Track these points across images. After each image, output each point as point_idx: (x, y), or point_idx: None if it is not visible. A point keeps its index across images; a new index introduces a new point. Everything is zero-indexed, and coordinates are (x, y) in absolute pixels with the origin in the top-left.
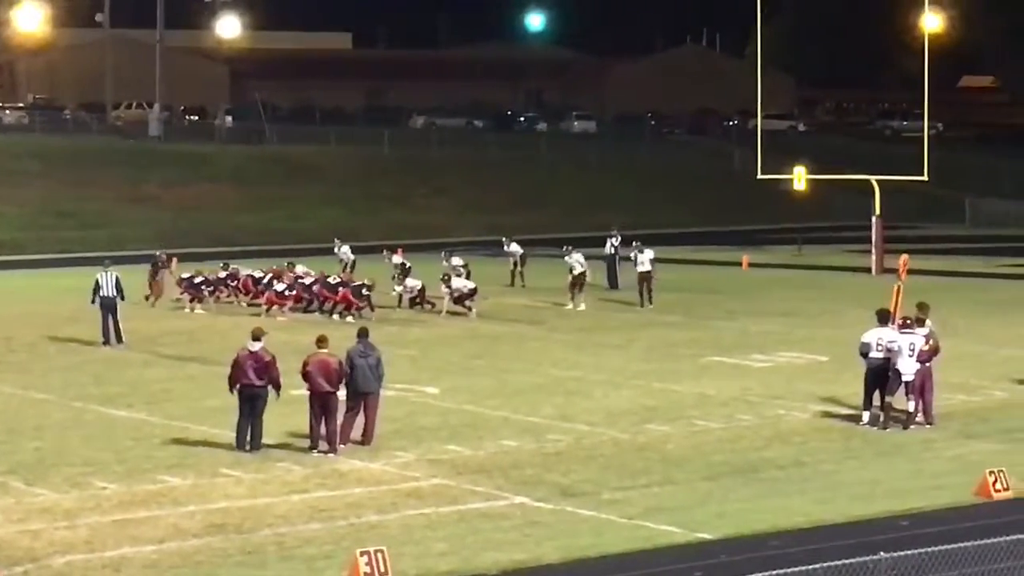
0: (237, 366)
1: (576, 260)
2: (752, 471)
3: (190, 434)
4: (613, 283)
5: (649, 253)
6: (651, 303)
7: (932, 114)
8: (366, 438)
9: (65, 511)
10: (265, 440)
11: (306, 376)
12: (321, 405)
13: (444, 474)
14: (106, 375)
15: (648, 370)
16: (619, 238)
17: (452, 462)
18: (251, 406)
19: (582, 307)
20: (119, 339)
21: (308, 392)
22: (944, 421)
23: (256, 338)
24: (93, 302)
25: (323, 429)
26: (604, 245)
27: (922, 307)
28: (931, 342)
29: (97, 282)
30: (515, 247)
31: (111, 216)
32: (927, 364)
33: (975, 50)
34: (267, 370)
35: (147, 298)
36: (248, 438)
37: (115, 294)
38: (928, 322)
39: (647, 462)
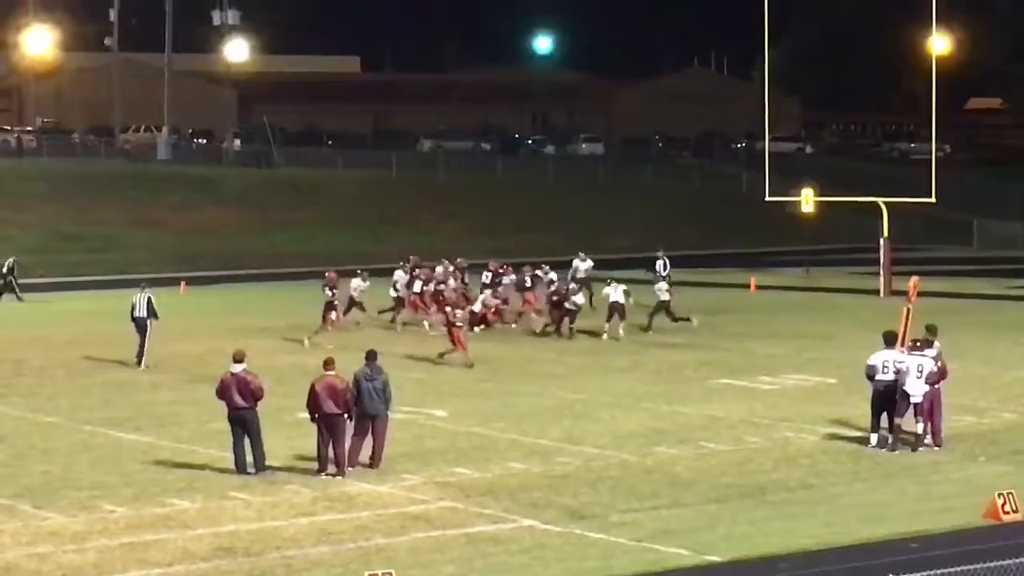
0: (224, 388)
1: (611, 289)
2: (760, 493)
3: (198, 457)
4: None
5: (621, 287)
6: (618, 334)
7: (939, 136)
8: (374, 461)
9: (73, 534)
10: (273, 463)
11: (312, 400)
12: (329, 428)
13: (452, 497)
14: (114, 398)
15: (656, 392)
16: (665, 261)
17: (460, 485)
18: (243, 428)
19: (621, 333)
20: (138, 362)
21: (309, 416)
22: (952, 443)
23: (238, 360)
24: (134, 321)
25: (331, 452)
26: (636, 268)
27: (930, 329)
28: (939, 364)
29: (133, 303)
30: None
31: (118, 240)
32: (935, 386)
33: (982, 72)
34: (251, 392)
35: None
36: (251, 460)
37: (146, 315)
38: (936, 344)
39: (655, 485)
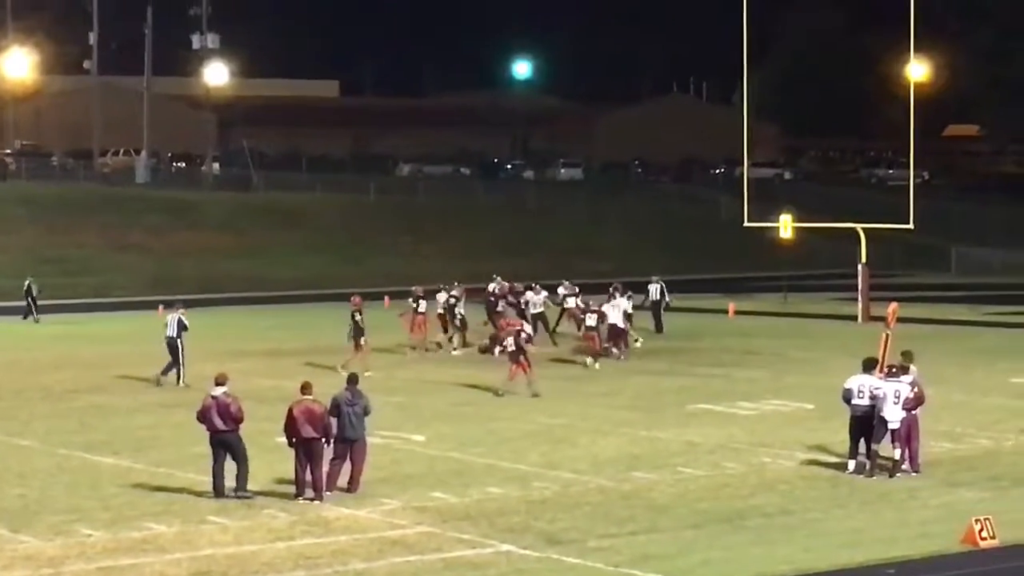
0: (205, 411)
1: (609, 308)
2: (738, 519)
3: (175, 481)
4: (659, 328)
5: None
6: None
7: (918, 162)
8: (352, 485)
9: (49, 558)
10: (252, 487)
11: (290, 424)
12: (307, 452)
13: (430, 522)
14: (91, 422)
15: (634, 418)
16: (661, 284)
17: (438, 509)
18: (226, 451)
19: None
20: (167, 374)
21: (293, 439)
22: (930, 469)
23: (219, 383)
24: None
25: (309, 476)
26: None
27: (907, 355)
28: (915, 390)
29: (166, 323)
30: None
31: (97, 263)
32: (912, 412)
33: (960, 99)
34: (232, 415)
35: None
36: (231, 484)
37: (176, 334)
38: (913, 369)
39: (633, 510)
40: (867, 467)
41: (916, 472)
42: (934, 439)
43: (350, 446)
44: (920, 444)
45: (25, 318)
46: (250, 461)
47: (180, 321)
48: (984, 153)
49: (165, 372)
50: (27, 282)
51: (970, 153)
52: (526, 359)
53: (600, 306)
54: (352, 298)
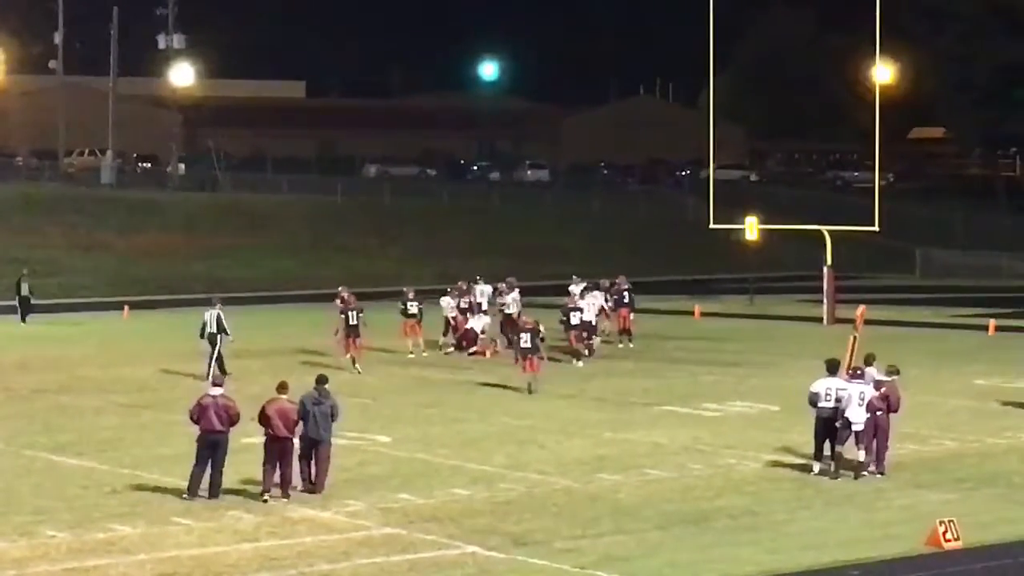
0: (201, 411)
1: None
2: (704, 520)
3: (141, 482)
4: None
5: (597, 304)
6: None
7: (883, 165)
8: (317, 486)
9: (14, 560)
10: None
11: (265, 421)
12: (279, 451)
13: (395, 523)
14: (56, 423)
15: (600, 419)
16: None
17: (403, 511)
18: (212, 452)
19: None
20: (222, 371)
21: (265, 437)
22: (895, 471)
23: (216, 384)
24: (202, 337)
25: (277, 476)
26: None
27: (868, 359)
28: (884, 391)
29: (204, 320)
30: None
31: (62, 264)
32: (879, 414)
33: (926, 102)
34: (230, 416)
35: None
36: (207, 486)
37: (217, 331)
38: (871, 371)
39: (599, 511)
40: (832, 469)
41: (881, 474)
42: (899, 441)
43: (314, 446)
44: (887, 448)
45: (24, 320)
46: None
47: (219, 317)
48: (949, 156)
49: (222, 369)
50: (18, 280)
51: (935, 156)
52: (537, 357)
53: (576, 302)
54: (345, 295)
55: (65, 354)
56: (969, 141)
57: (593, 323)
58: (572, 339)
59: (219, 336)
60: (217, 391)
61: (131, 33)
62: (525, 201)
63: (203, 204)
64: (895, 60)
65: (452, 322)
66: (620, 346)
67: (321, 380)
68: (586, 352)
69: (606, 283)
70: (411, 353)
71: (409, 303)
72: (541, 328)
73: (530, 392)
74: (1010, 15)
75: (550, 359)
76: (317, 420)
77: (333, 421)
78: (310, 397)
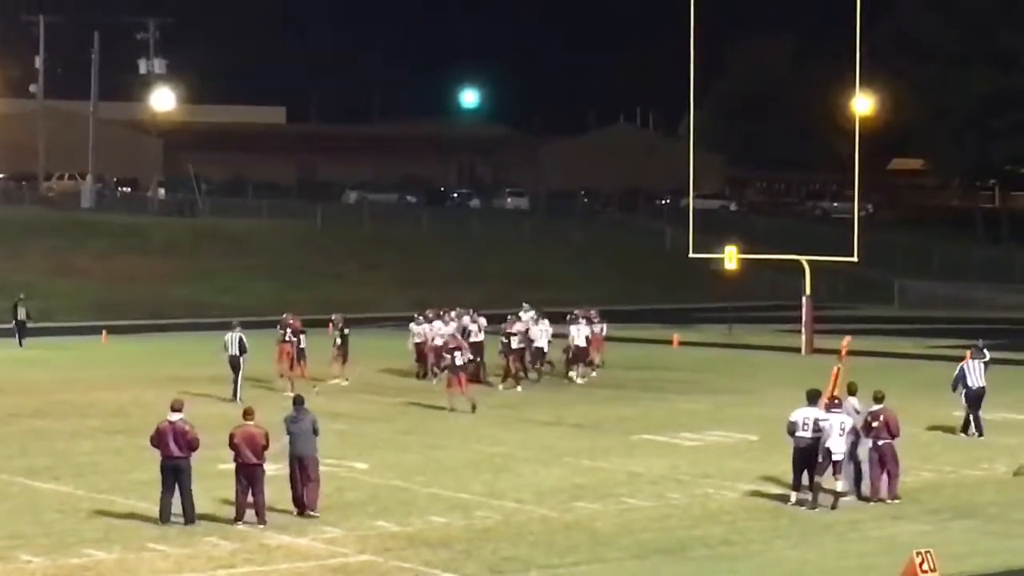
0: (160, 437)
1: (575, 330)
2: (681, 550)
3: (117, 507)
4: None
5: (586, 330)
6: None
7: (862, 195)
8: (309, 503)
9: None
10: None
11: (233, 447)
12: (247, 477)
13: (372, 550)
14: (32, 447)
15: (577, 447)
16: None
17: (380, 538)
18: (175, 478)
19: (579, 381)
20: (234, 397)
21: (235, 464)
22: (868, 502)
23: (176, 409)
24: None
25: (251, 501)
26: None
27: (850, 388)
28: (884, 418)
29: (225, 343)
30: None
31: (40, 288)
32: (883, 442)
33: (905, 133)
34: (188, 442)
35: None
36: (183, 511)
37: (238, 353)
38: (852, 401)
39: (576, 540)
40: (809, 499)
41: (897, 499)
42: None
43: (299, 463)
44: (899, 475)
45: (21, 344)
46: (192, 487)
47: (241, 340)
48: (929, 187)
49: (237, 395)
50: (15, 303)
51: (915, 187)
52: (465, 375)
53: (527, 329)
54: (290, 320)
55: (42, 378)
56: (948, 172)
57: (545, 350)
58: (510, 363)
59: (240, 357)
60: (176, 416)
61: (112, 58)
62: (505, 228)
63: (183, 229)
64: (875, 91)
65: (416, 350)
66: (594, 374)
67: (298, 401)
68: (535, 377)
69: (588, 313)
70: (336, 379)
71: (336, 331)
72: (466, 348)
73: (473, 410)
74: (989, 47)
75: (484, 383)
76: (298, 436)
77: (315, 436)
78: (289, 417)
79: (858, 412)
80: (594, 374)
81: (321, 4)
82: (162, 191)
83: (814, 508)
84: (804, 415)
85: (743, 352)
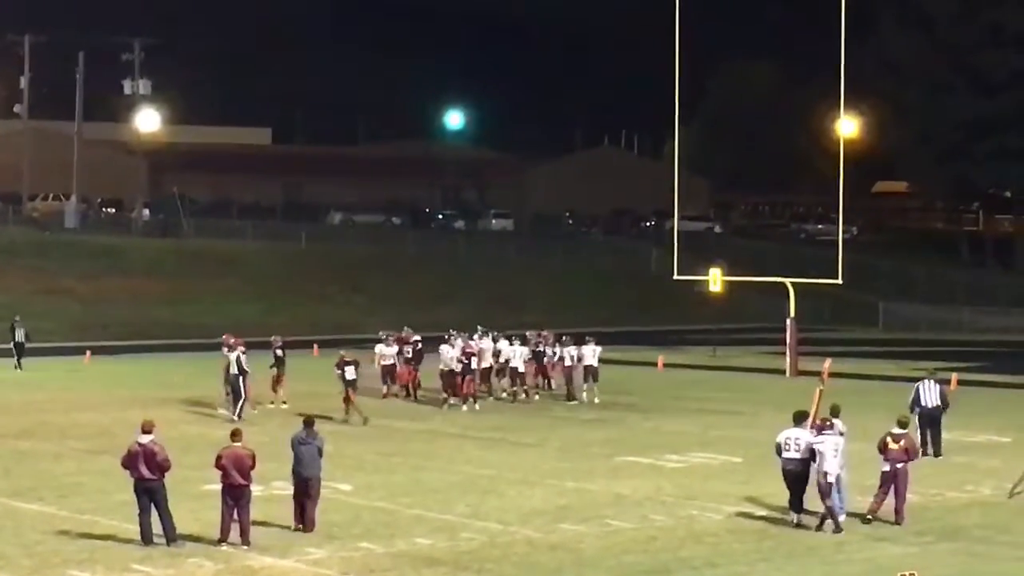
0: (131, 459)
1: (588, 350)
2: (665, 572)
3: (100, 528)
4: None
5: (598, 349)
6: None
7: (847, 218)
8: (307, 524)
9: None
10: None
11: (220, 468)
12: (234, 498)
13: (357, 571)
14: (15, 468)
15: (562, 469)
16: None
17: (364, 560)
18: (150, 499)
19: (596, 400)
20: (234, 411)
21: (221, 484)
22: (856, 523)
23: (146, 431)
24: (226, 381)
25: (236, 521)
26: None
27: (834, 410)
28: (904, 444)
29: (229, 362)
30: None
31: (24, 308)
32: (900, 465)
33: (890, 156)
34: (158, 464)
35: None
36: (163, 532)
37: (239, 373)
38: (838, 423)
39: (560, 562)
40: (819, 522)
41: (899, 524)
42: (860, 493)
43: (305, 484)
44: (906, 500)
45: (19, 366)
46: (175, 509)
47: (239, 360)
48: (913, 210)
49: (238, 413)
50: (12, 325)
51: (899, 210)
52: (352, 389)
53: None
54: (231, 339)
55: (25, 399)
56: (932, 195)
57: (520, 370)
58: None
59: (240, 378)
60: (146, 438)
61: (97, 78)
62: (490, 250)
63: (167, 249)
64: (859, 114)
65: (386, 370)
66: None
67: (308, 422)
68: (513, 397)
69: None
70: (271, 403)
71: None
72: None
73: (364, 423)
74: (973, 71)
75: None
76: (306, 458)
77: (320, 457)
78: (298, 437)
79: (842, 434)
80: (536, 397)
81: (306, 25)
82: (147, 212)
83: (839, 532)
84: (786, 436)
85: (728, 374)
